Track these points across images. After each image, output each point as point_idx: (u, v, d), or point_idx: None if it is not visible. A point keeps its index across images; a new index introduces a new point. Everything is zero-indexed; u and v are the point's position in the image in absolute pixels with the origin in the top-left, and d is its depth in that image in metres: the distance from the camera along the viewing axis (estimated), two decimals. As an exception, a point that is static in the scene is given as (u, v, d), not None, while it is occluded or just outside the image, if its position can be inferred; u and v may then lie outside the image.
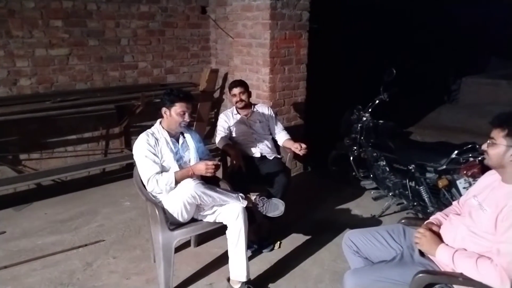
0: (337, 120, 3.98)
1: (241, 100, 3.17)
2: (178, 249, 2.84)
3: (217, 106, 5.06)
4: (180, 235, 2.35)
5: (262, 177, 3.02)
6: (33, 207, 3.62)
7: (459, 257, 1.63)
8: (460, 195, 2.67)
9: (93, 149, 4.30)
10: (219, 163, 2.44)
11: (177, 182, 2.32)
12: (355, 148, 3.73)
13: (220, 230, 2.44)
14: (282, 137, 3.29)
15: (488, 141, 1.68)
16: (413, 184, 3.16)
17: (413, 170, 3.11)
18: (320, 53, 4.54)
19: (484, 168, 1.95)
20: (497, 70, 8.18)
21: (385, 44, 6.38)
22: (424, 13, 6.97)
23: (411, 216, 3.07)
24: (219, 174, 2.74)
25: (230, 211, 2.33)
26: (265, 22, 3.73)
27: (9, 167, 3.78)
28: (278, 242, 3.01)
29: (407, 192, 3.20)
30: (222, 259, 2.67)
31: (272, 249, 2.94)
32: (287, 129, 3.43)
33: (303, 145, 3.02)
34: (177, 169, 2.40)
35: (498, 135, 1.63)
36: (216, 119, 3.83)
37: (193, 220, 2.42)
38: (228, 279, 2.45)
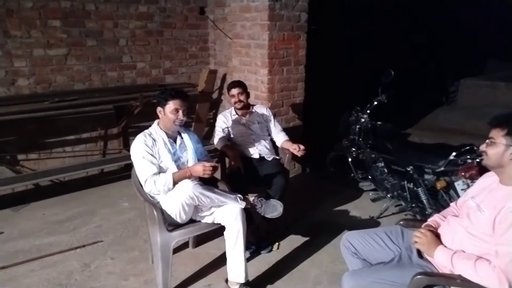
0: (336, 121, 3.98)
1: (240, 101, 3.17)
2: (176, 250, 2.83)
3: (215, 107, 5.06)
4: (178, 236, 2.34)
5: (261, 178, 3.02)
6: (31, 207, 3.61)
7: (457, 259, 1.63)
8: (458, 196, 2.67)
9: (91, 149, 4.29)
10: (216, 164, 2.44)
11: (175, 183, 2.32)
12: (354, 149, 3.73)
13: (218, 231, 2.44)
14: (280, 138, 3.28)
15: (486, 141, 1.69)
16: (411, 185, 3.16)
17: (411, 172, 3.12)
18: (318, 54, 4.54)
19: (482, 170, 1.96)
20: (495, 72, 8.20)
21: (383, 45, 6.38)
22: (422, 14, 6.98)
23: (409, 218, 3.08)
24: (218, 175, 2.74)
25: (228, 212, 2.33)
26: (264, 23, 3.73)
27: (7, 167, 3.77)
28: (277, 244, 3.00)
29: (405, 193, 3.21)
30: (221, 260, 2.66)
31: (271, 250, 2.94)
32: (286, 130, 3.42)
33: (302, 146, 3.02)
34: (175, 170, 2.39)
35: (498, 135, 1.64)
36: (215, 120, 3.84)
37: (191, 221, 2.41)
38: (226, 280, 2.45)
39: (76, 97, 3.91)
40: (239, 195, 2.42)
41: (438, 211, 2.11)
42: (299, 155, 3.05)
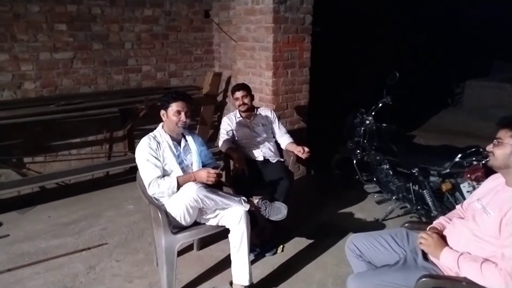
0: (340, 124, 3.98)
1: (244, 104, 3.17)
2: (180, 252, 2.84)
3: (220, 110, 5.07)
4: (182, 239, 2.34)
5: (265, 180, 3.02)
6: (37, 210, 3.63)
7: (463, 261, 1.62)
8: (464, 198, 2.65)
9: (97, 152, 4.31)
10: (221, 172, 2.44)
11: (179, 186, 2.32)
12: (358, 151, 3.72)
13: (222, 233, 2.44)
14: (285, 140, 3.28)
15: (494, 141, 1.68)
16: (416, 187, 3.15)
17: (416, 174, 3.10)
18: (323, 57, 4.54)
19: (488, 172, 1.94)
20: (501, 73, 8.15)
21: (388, 47, 6.37)
22: (428, 16, 6.96)
23: (414, 220, 3.07)
24: (222, 177, 2.73)
25: (233, 215, 2.33)
26: (268, 26, 3.74)
27: (13, 170, 3.80)
28: (281, 246, 3.00)
29: (410, 195, 3.19)
30: (225, 263, 2.66)
31: (275, 253, 2.93)
32: (290, 132, 3.42)
33: (306, 149, 3.02)
34: (180, 172, 2.40)
35: (506, 135, 1.63)
36: (219, 122, 3.84)
37: (195, 224, 2.41)
38: (231, 283, 2.45)
39: (82, 100, 3.93)
40: (244, 198, 2.42)
41: (444, 213, 2.10)
42: (303, 157, 3.05)
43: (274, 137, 3.34)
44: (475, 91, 7.70)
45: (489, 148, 1.71)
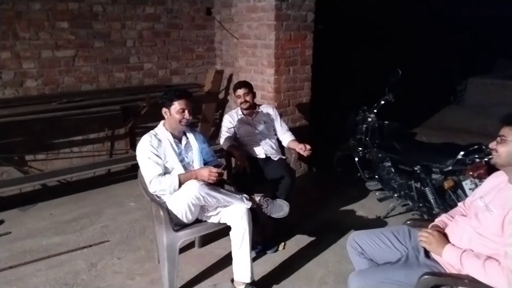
0: (342, 121, 3.97)
1: (246, 101, 3.17)
2: (182, 250, 2.83)
3: (222, 107, 5.06)
4: (184, 236, 2.34)
5: (267, 178, 3.01)
6: (38, 207, 3.64)
7: (466, 258, 1.61)
8: (466, 196, 2.64)
9: (98, 150, 4.32)
10: (222, 171, 2.43)
11: (180, 184, 2.32)
12: (360, 149, 3.71)
13: (224, 231, 2.44)
14: (286, 138, 3.28)
15: (497, 139, 1.67)
16: (418, 185, 3.14)
17: (418, 171, 3.09)
18: (325, 54, 4.53)
19: (491, 170, 1.94)
20: (504, 71, 8.11)
21: (391, 44, 6.35)
22: (430, 13, 6.93)
23: (416, 218, 3.05)
24: (225, 176, 2.73)
25: (234, 212, 2.33)
26: (270, 23, 3.72)
27: (15, 168, 3.80)
28: (283, 243, 3.00)
29: (412, 193, 3.18)
30: (226, 260, 2.66)
31: (276, 250, 2.93)
32: (292, 130, 3.42)
33: (308, 146, 3.01)
34: (181, 170, 2.40)
35: (509, 133, 1.62)
36: (221, 120, 3.84)
37: (197, 221, 2.41)
38: (232, 280, 2.45)
39: (84, 98, 3.94)
40: (245, 195, 2.42)
41: (446, 211, 2.09)
42: (305, 155, 3.04)
43: (275, 134, 3.34)
44: (478, 88, 7.66)
45: (492, 145, 1.70)
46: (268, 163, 3.14)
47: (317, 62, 4.21)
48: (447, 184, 2.86)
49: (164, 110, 2.44)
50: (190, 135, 2.57)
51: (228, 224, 2.37)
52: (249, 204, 2.37)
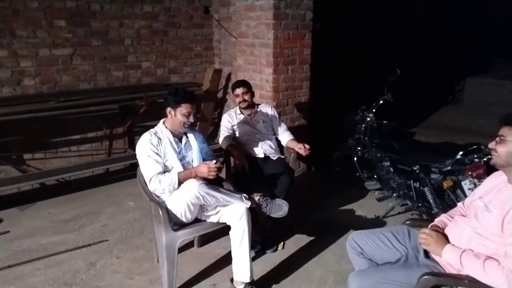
0: (341, 121, 3.97)
1: (244, 100, 3.16)
2: (181, 249, 2.83)
3: (220, 106, 5.06)
4: (183, 236, 2.34)
5: (266, 177, 3.01)
6: (37, 206, 3.62)
7: (466, 257, 1.62)
8: (465, 196, 2.65)
9: (96, 149, 4.30)
10: (221, 165, 2.43)
11: (180, 182, 2.32)
12: (359, 148, 3.72)
13: (223, 230, 2.44)
14: (285, 137, 3.28)
15: (496, 139, 1.67)
16: (417, 185, 3.14)
17: (417, 171, 3.10)
18: (324, 53, 4.53)
19: (489, 169, 1.94)
20: (501, 71, 8.14)
21: (389, 44, 6.36)
22: (428, 13, 6.95)
23: (415, 218, 3.06)
24: (223, 174, 2.73)
25: (234, 212, 2.33)
26: (269, 22, 3.72)
27: (13, 167, 3.79)
28: (282, 243, 3.00)
29: (411, 193, 3.19)
30: (226, 260, 2.66)
31: (276, 249, 2.93)
32: (291, 129, 3.42)
33: (307, 146, 3.01)
34: (181, 169, 2.40)
35: (508, 133, 1.62)
36: (220, 119, 3.83)
37: (196, 221, 2.41)
38: (232, 280, 2.45)
39: (82, 96, 3.92)
40: (245, 195, 2.42)
41: (445, 211, 2.09)
42: (304, 155, 3.04)
43: (274, 134, 3.33)
44: (475, 88, 7.69)
45: (491, 145, 1.70)
46: (267, 163, 3.13)
47: (316, 61, 4.21)
48: (446, 184, 2.86)
49: (168, 109, 2.43)
50: (190, 135, 2.57)
51: (228, 223, 2.37)
52: (248, 204, 2.37)
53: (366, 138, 3.63)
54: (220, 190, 2.34)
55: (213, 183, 2.45)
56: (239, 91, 3.15)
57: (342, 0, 5.43)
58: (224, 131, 3.21)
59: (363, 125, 3.63)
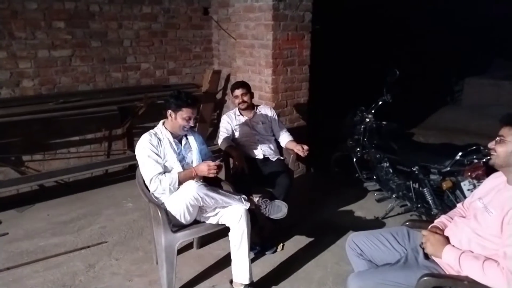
0: (340, 121, 3.97)
1: (244, 102, 3.16)
2: (180, 251, 2.83)
3: (219, 107, 5.05)
4: (182, 237, 2.34)
5: (265, 178, 3.01)
6: (35, 208, 3.62)
7: (465, 259, 1.61)
8: (465, 197, 2.65)
9: (95, 150, 4.30)
10: (221, 163, 2.43)
11: (180, 182, 2.32)
12: (358, 149, 3.72)
13: (223, 232, 2.44)
14: (284, 138, 3.27)
15: (496, 139, 1.67)
16: (416, 186, 3.14)
17: (416, 172, 3.10)
18: (323, 54, 4.53)
19: (489, 170, 1.94)
20: (500, 71, 8.15)
21: (388, 45, 6.36)
22: (429, 14, 6.95)
23: (415, 219, 3.06)
24: (221, 175, 2.73)
25: (233, 213, 2.33)
26: (268, 23, 3.72)
27: (12, 168, 3.78)
28: (281, 244, 2.99)
29: (410, 194, 3.19)
30: (225, 261, 2.66)
31: (275, 251, 2.93)
32: (290, 130, 3.41)
33: (305, 147, 3.01)
34: (180, 169, 2.40)
35: (508, 133, 1.62)
36: (219, 120, 3.83)
37: (195, 222, 2.41)
38: (231, 281, 2.45)
39: (81, 98, 3.91)
40: (244, 196, 2.42)
41: (444, 212, 2.10)
42: (303, 156, 3.03)
43: (273, 135, 3.33)
44: (474, 88, 7.70)
45: (491, 145, 1.70)
46: (266, 164, 3.13)
47: (315, 62, 4.21)
48: (445, 185, 2.86)
49: (169, 112, 2.43)
50: (190, 136, 2.57)
51: (227, 225, 2.37)
52: (247, 205, 2.37)
53: (365, 139, 3.63)
54: (219, 192, 2.34)
55: (212, 184, 2.45)
56: (238, 92, 3.15)
57: (341, 1, 5.43)
58: (223, 132, 3.21)
59: (362, 126, 3.64)
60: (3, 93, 3.67)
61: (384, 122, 3.56)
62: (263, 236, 2.92)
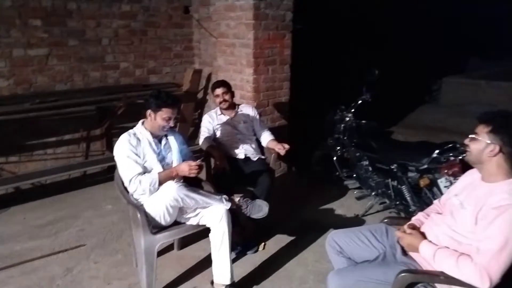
0: (321, 120, 3.99)
1: (225, 101, 3.15)
2: (161, 252, 2.79)
3: (200, 107, 5.02)
4: (162, 239, 2.31)
5: (246, 178, 3.00)
6: (11, 211, 3.51)
7: (441, 254, 1.64)
8: (442, 194, 2.70)
9: (73, 151, 4.21)
10: (202, 163, 2.41)
11: (160, 183, 2.29)
12: (339, 148, 3.75)
13: (204, 232, 2.42)
14: (266, 137, 3.26)
15: (470, 136, 1.71)
16: (395, 183, 3.19)
17: (395, 170, 3.14)
18: (304, 53, 4.55)
19: (465, 167, 1.98)
20: (477, 71, 8.36)
21: (368, 44, 6.44)
22: (405, 14, 7.07)
23: (393, 216, 3.10)
24: (202, 175, 2.71)
25: (214, 214, 2.31)
26: (249, 22, 3.71)
27: (-15, 171, 3.68)
28: (263, 244, 3.00)
29: (389, 191, 3.24)
30: (206, 262, 2.64)
31: (257, 250, 2.93)
32: (271, 129, 3.41)
33: (286, 146, 3.01)
34: (161, 169, 2.37)
35: (482, 131, 1.66)
36: (200, 120, 3.80)
37: (176, 223, 2.38)
38: (212, 282, 2.43)
39: (58, 98, 3.83)
40: (225, 196, 2.41)
41: (422, 209, 2.13)
42: (283, 154, 3.04)
43: (255, 134, 3.32)
44: (452, 88, 7.86)
45: (466, 141, 1.74)
46: (248, 163, 3.13)
47: (297, 61, 4.22)
48: (423, 182, 2.91)
49: (148, 112, 2.39)
50: (170, 136, 2.55)
51: (208, 225, 2.35)
52: (228, 205, 2.36)
53: (345, 138, 3.67)
54: (199, 192, 2.32)
55: (192, 184, 2.43)
56: (219, 91, 3.14)
57: (324, 1, 5.47)
58: (204, 132, 3.19)
59: (342, 125, 3.67)
60: (-24, 93, 3.57)
61: (364, 121, 3.61)
62: (244, 236, 2.91)
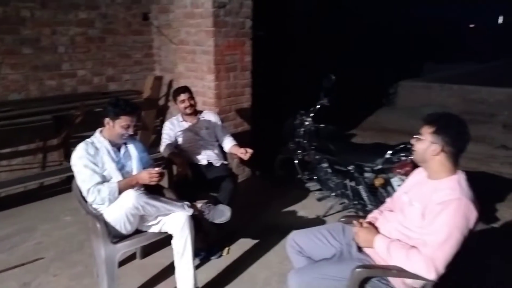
0: (282, 125, 4.08)
1: (191, 106, 3.16)
2: (122, 262, 2.76)
3: (162, 114, 4.98)
4: (123, 248, 2.28)
5: (209, 184, 3.02)
6: (-38, 227, 3.35)
7: (393, 247, 1.74)
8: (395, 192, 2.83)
9: (29, 162, 4.05)
10: (163, 170, 2.41)
11: (120, 191, 2.26)
12: (299, 151, 3.84)
13: (166, 240, 2.40)
14: (228, 143, 3.29)
15: (416, 136, 1.82)
16: (353, 184, 3.31)
17: (352, 171, 3.26)
18: (265, 59, 4.63)
19: (417, 166, 2.10)
20: (430, 74, 8.81)
21: (327, 50, 6.63)
22: (362, 21, 7.34)
23: (350, 215, 3.21)
24: (164, 183, 2.70)
25: (175, 221, 2.31)
26: (208, 30, 3.74)
27: None
28: (226, 248, 3.02)
29: (347, 191, 3.35)
30: (169, 270, 2.62)
31: (220, 255, 2.95)
32: (234, 135, 3.45)
33: (249, 150, 3.05)
34: (120, 178, 2.34)
35: (426, 131, 1.77)
36: (162, 127, 3.78)
37: (137, 232, 2.36)
38: (176, 290, 2.43)
39: (11, 108, 3.68)
40: (186, 202, 2.41)
41: (378, 207, 2.23)
42: (245, 158, 3.08)
43: (217, 140, 3.35)
44: (407, 91, 8.24)
45: (412, 141, 1.86)
46: (210, 169, 3.14)
47: (258, 68, 4.29)
48: (378, 181, 3.05)
49: (106, 120, 2.36)
50: (130, 144, 2.52)
51: (170, 232, 2.35)
52: (190, 211, 2.37)
53: (305, 141, 3.76)
54: (160, 199, 2.32)
55: (154, 192, 2.42)
56: (184, 96, 3.14)
57: (285, 8, 5.58)
58: (165, 139, 3.18)
59: (302, 129, 3.77)
60: None
61: (322, 125, 3.72)
62: (208, 241, 2.92)
